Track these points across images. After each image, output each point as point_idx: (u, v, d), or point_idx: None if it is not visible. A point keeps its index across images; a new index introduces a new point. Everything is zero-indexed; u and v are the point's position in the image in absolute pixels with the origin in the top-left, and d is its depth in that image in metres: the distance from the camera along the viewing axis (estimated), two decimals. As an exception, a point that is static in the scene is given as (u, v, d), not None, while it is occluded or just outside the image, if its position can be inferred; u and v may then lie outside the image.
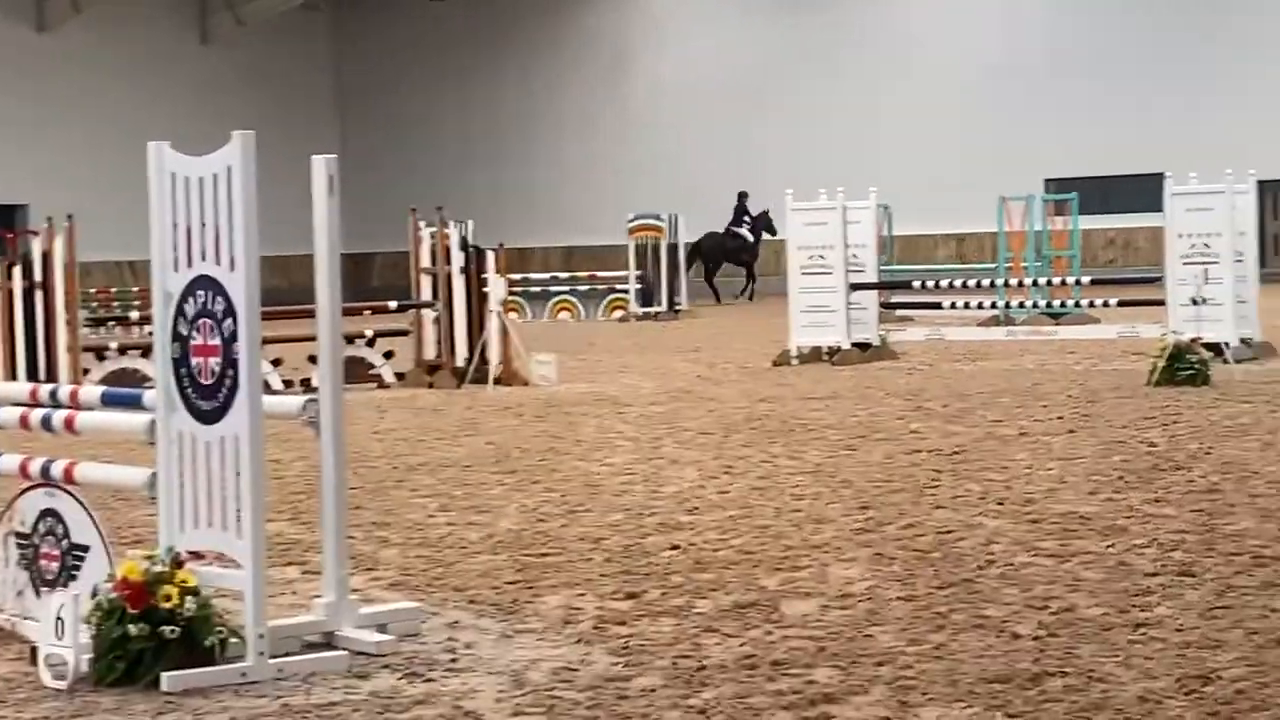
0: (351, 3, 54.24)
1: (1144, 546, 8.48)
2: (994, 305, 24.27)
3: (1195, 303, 17.95)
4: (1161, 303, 19.49)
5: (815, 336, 21.18)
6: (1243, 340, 19.11)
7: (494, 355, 19.15)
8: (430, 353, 19.78)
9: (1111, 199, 43.15)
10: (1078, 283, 24.80)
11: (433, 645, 6.90)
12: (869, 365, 20.35)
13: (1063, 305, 24.45)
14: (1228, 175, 19.61)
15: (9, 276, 17.93)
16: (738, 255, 41.41)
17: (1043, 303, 24.98)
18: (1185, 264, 19.17)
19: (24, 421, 7.42)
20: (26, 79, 45.05)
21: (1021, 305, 24.42)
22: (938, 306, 23.70)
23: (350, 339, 18.94)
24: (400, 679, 6.40)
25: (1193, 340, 16.85)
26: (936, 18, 46.91)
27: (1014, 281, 25.92)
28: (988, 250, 36.40)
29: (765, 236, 40.99)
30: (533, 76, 51.94)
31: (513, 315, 21.93)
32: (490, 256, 19.73)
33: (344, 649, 6.72)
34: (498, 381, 18.86)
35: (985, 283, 24.72)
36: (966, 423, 14.07)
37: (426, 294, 19.86)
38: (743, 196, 41.58)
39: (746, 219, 41.24)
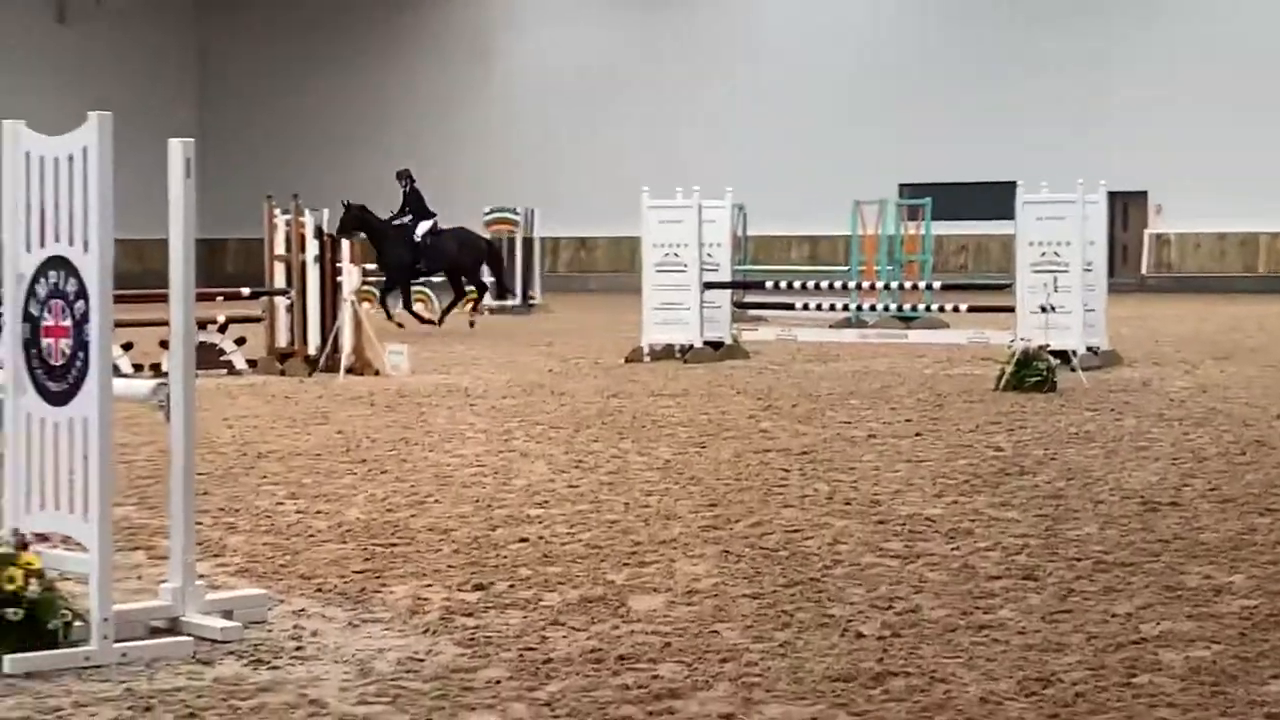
0: (211, -15, 53.74)
1: (988, 550, 8.60)
2: (846, 307, 24.47)
3: (1044, 310, 18.21)
4: (1011, 309, 19.73)
5: (668, 334, 21.25)
6: (1089, 349, 19.39)
7: (346, 344, 19.04)
8: (283, 340, 19.64)
9: (965, 206, 43.65)
10: (929, 287, 25.02)
11: (278, 633, 6.86)
12: (721, 364, 20.45)
13: (914, 309, 24.69)
14: (1079, 185, 19.88)
15: None
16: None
17: (894, 306, 25.24)
18: (1035, 272, 19.42)
19: None
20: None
21: (873, 308, 24.64)
22: (790, 307, 23.83)
23: (202, 325, 18.75)
24: (245, 666, 6.37)
25: (1041, 347, 17.07)
26: (798, 19, 47.21)
27: (866, 284, 26.10)
28: (841, 253, 36.70)
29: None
30: (393, 66, 51.70)
31: (366, 305, 21.81)
32: (345, 245, 19.63)
33: (189, 635, 6.67)
34: (349, 371, 18.76)
35: (838, 285, 24.90)
36: (816, 423, 14.18)
37: (280, 281, 19.73)
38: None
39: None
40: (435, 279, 29.83)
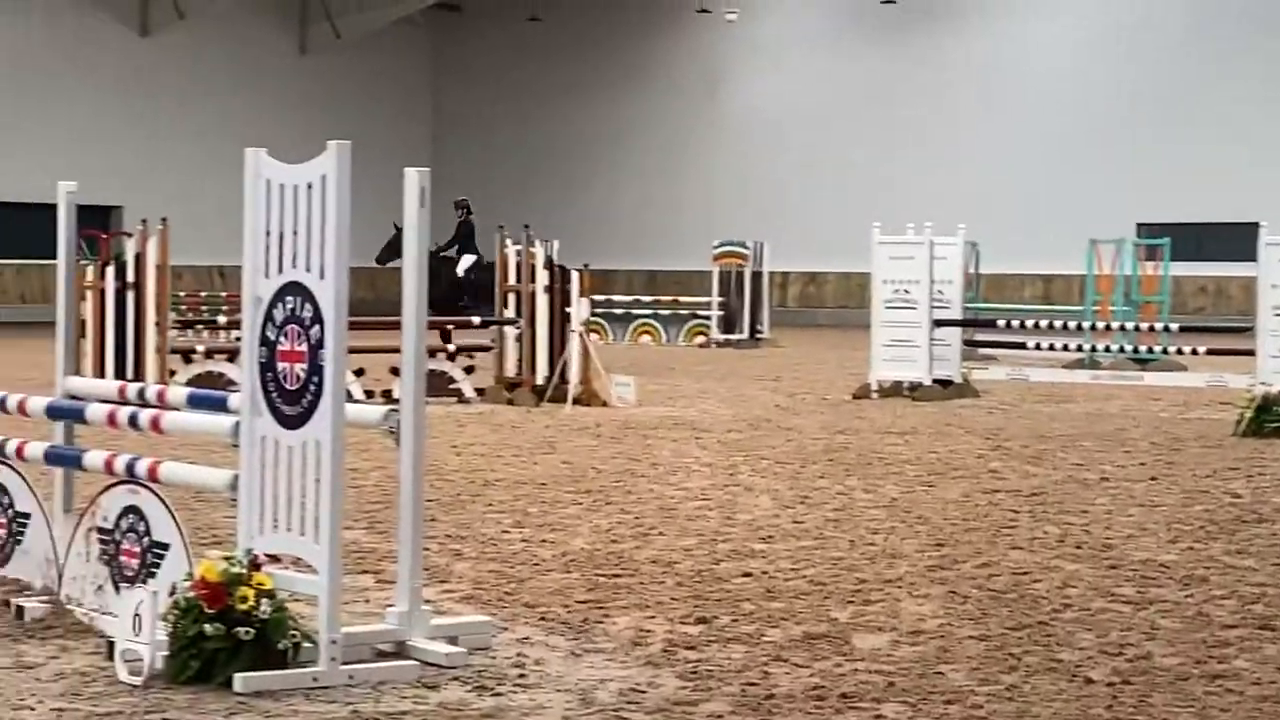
0: (449, 19, 54.51)
1: (1224, 598, 8.40)
2: (1080, 348, 24.13)
3: (1286, 355, 17.79)
4: (1252, 353, 19.30)
5: (896, 371, 21.08)
6: (1331, 394, 18.88)
7: (574, 375, 19.17)
8: (511, 369, 19.83)
9: (1205, 246, 42.75)
10: (1166, 329, 24.58)
11: (502, 660, 6.91)
12: (950, 402, 20.24)
13: (1150, 351, 24.29)
14: (1324, 226, 19.41)
15: (102, 276, 18.15)
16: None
17: (1129, 347, 24.83)
18: (1277, 315, 18.98)
19: (111, 419, 7.49)
20: (127, 82, 45.51)
21: (1108, 349, 24.27)
22: (1022, 346, 23.53)
23: (433, 352, 19.01)
24: (469, 692, 6.42)
25: (1281, 392, 16.68)
26: (1033, 54, 46.73)
27: (1101, 325, 25.71)
28: (1075, 292, 36.18)
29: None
30: (624, 98, 52.05)
31: (594, 336, 21.93)
32: (575, 277, 19.78)
33: (414, 659, 6.74)
34: (577, 401, 18.88)
35: (1072, 325, 24.56)
36: (1046, 464, 13.98)
37: (510, 311, 19.93)
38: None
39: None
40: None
